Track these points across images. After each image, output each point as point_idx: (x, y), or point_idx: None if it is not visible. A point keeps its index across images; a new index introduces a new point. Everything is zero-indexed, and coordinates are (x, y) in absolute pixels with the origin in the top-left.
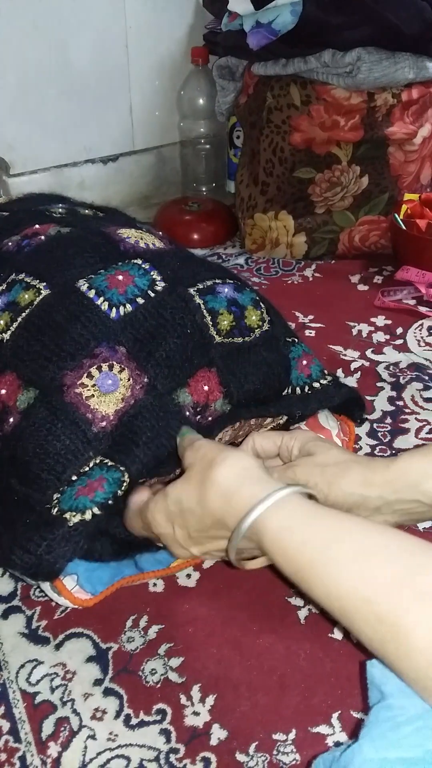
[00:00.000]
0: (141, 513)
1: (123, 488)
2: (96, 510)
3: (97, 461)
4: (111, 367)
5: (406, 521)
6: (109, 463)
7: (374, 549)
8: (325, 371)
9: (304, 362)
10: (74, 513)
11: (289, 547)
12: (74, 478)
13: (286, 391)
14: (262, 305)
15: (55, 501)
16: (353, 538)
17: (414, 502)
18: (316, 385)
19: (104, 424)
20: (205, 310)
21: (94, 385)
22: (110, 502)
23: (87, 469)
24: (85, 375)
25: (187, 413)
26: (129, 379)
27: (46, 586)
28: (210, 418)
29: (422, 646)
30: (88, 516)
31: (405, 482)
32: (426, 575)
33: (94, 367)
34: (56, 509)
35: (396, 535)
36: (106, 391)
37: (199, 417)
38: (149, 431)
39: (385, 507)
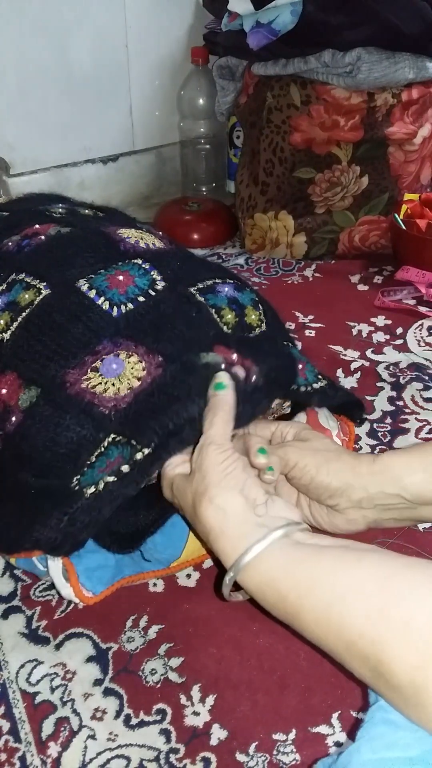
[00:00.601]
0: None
1: (143, 452)
2: (109, 478)
3: (111, 439)
4: (117, 355)
5: (385, 521)
6: (122, 440)
7: (347, 589)
8: (320, 375)
9: (300, 366)
10: (90, 486)
11: (272, 599)
12: (93, 459)
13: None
14: (261, 306)
15: (76, 482)
16: (327, 581)
17: (395, 497)
18: (315, 386)
19: (114, 403)
20: (208, 306)
21: (99, 375)
22: (125, 467)
23: (103, 449)
24: (90, 370)
25: (223, 366)
26: (140, 361)
27: (56, 571)
28: (254, 383)
29: (405, 679)
30: (101, 486)
31: (388, 475)
32: (399, 606)
33: (98, 360)
34: (77, 487)
35: (370, 565)
36: (112, 375)
37: (245, 376)
38: (167, 407)
39: (366, 501)
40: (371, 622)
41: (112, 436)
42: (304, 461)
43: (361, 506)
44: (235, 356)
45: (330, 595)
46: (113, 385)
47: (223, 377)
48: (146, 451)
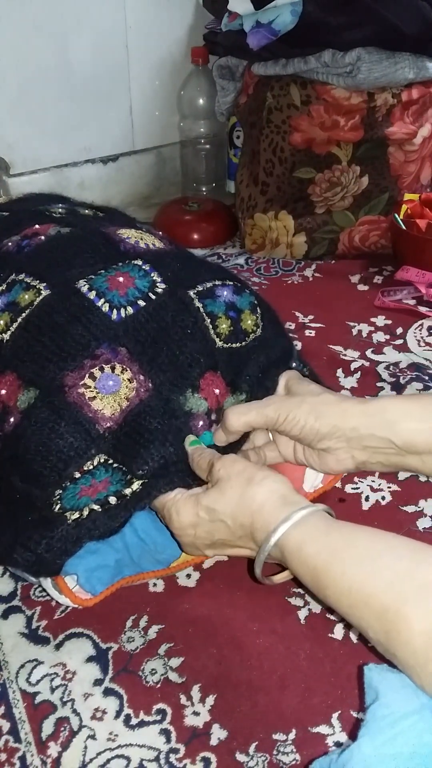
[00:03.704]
0: (162, 507)
1: (132, 488)
2: (94, 506)
3: (101, 460)
4: (113, 369)
5: (372, 464)
6: (114, 465)
7: (382, 551)
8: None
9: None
10: (74, 511)
11: (306, 556)
12: (77, 475)
13: None
14: (259, 309)
15: (57, 497)
16: (362, 544)
17: (384, 441)
18: None
19: (110, 424)
20: (204, 314)
21: (95, 387)
22: (112, 499)
23: (91, 467)
24: (87, 376)
25: (201, 423)
26: (132, 381)
27: (47, 584)
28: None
29: (420, 631)
30: (85, 512)
31: (381, 418)
32: (427, 569)
33: (96, 368)
34: (57, 506)
35: (403, 540)
36: (107, 392)
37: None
38: (155, 430)
39: (356, 441)
40: (398, 578)
41: (104, 457)
42: (292, 414)
43: (351, 446)
44: (217, 391)
45: (364, 553)
46: (109, 403)
47: (192, 437)
48: (135, 486)
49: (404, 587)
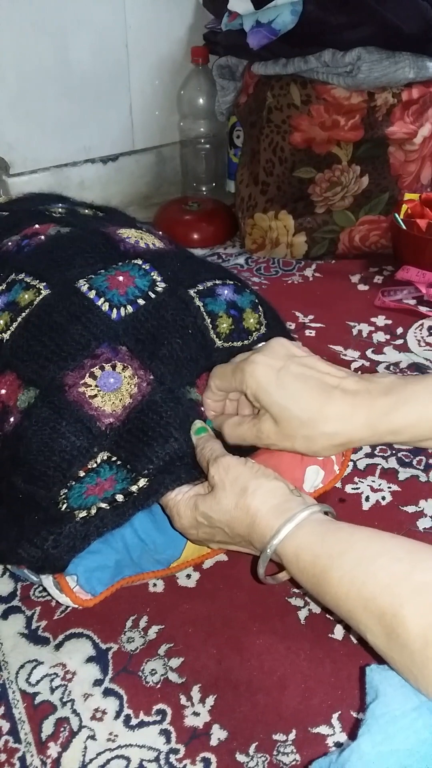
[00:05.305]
0: (165, 507)
1: (138, 485)
2: (102, 504)
3: (105, 457)
4: (114, 367)
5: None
6: (118, 462)
7: (378, 553)
8: None
9: None
10: (81, 510)
11: (303, 564)
12: (81, 474)
13: None
14: (261, 308)
15: (63, 497)
16: (359, 547)
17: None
18: None
19: (111, 420)
20: (204, 313)
21: (96, 386)
22: (120, 497)
23: (95, 465)
24: (88, 375)
25: (203, 408)
26: (134, 377)
27: (48, 583)
28: None
29: (417, 633)
30: (93, 510)
31: (407, 433)
32: (425, 570)
33: (96, 367)
34: (64, 506)
35: (401, 540)
36: (109, 390)
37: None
38: (157, 426)
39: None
40: (395, 580)
41: (107, 454)
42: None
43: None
44: None
45: (361, 556)
46: (110, 400)
47: (199, 424)
48: (141, 483)
49: (401, 589)
